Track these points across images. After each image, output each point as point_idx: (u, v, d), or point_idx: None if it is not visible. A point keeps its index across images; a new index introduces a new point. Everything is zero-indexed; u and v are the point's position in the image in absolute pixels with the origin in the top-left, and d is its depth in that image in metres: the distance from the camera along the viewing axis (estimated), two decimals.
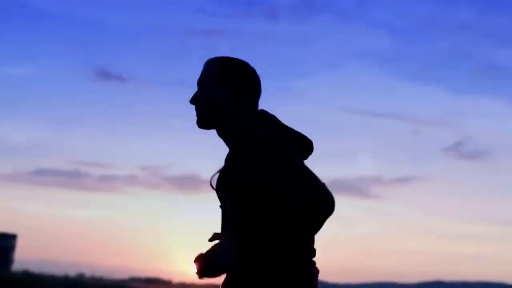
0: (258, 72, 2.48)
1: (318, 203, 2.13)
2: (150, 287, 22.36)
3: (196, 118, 2.45)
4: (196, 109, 2.44)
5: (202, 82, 2.44)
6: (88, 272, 23.07)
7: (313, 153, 2.41)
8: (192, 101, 2.45)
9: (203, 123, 2.44)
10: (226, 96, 2.39)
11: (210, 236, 2.30)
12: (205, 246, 2.31)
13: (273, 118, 2.39)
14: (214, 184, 2.39)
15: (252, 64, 2.49)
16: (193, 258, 2.25)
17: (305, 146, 2.38)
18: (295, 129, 2.40)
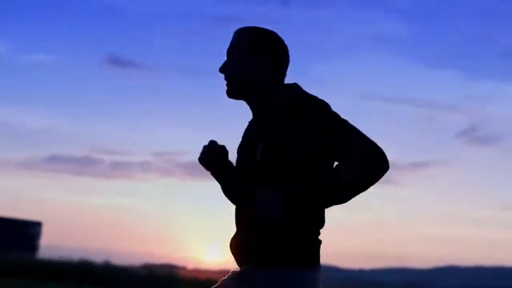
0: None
1: (377, 157, 2.27)
2: (165, 273, 22.29)
3: (225, 87, 2.47)
4: (226, 78, 2.46)
5: (232, 51, 2.47)
6: (99, 258, 22.97)
7: None
8: (222, 70, 2.47)
9: (233, 93, 2.46)
10: (256, 66, 2.42)
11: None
12: (217, 235, 2.25)
13: (304, 90, 2.42)
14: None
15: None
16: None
17: None
18: None
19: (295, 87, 2.43)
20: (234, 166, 2.52)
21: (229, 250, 2.45)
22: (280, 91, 2.41)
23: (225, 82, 2.47)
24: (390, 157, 2.33)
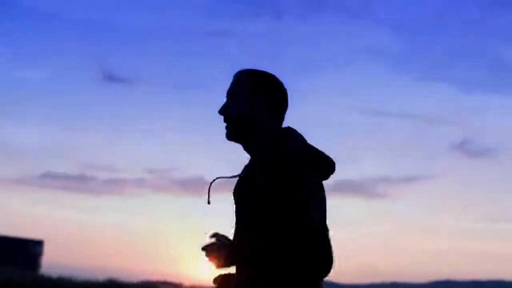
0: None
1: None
2: None
3: (225, 130, 2.43)
4: (226, 120, 2.43)
5: (232, 93, 2.43)
6: (93, 275, 23.09)
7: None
8: (222, 111, 2.43)
9: (232, 136, 2.43)
10: (257, 110, 2.39)
11: (211, 233, 2.38)
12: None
13: (298, 137, 2.38)
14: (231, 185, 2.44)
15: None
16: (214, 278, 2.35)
17: (326, 166, 2.37)
18: (318, 148, 2.40)
19: (287, 132, 2.39)
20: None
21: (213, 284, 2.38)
22: (278, 136, 2.36)
23: (225, 125, 2.44)
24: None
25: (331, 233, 2.26)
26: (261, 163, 2.32)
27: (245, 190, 2.35)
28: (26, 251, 31.23)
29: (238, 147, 2.45)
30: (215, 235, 2.37)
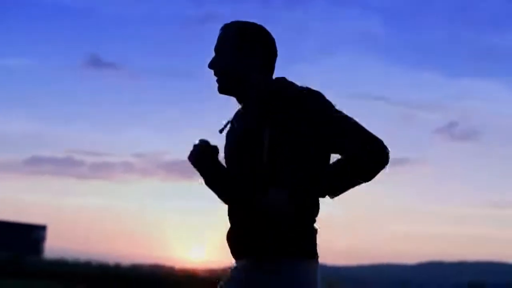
0: None
1: (379, 153, 2.29)
2: (156, 274, 22.85)
3: (216, 84, 2.44)
4: (216, 75, 2.44)
5: (220, 48, 2.44)
6: (84, 258, 23.66)
7: None
8: (211, 66, 2.44)
9: (224, 89, 2.44)
10: (246, 61, 2.40)
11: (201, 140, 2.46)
12: (201, 235, 2.56)
13: (294, 83, 2.40)
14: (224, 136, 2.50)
15: None
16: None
17: None
18: None
19: (284, 80, 2.41)
20: (224, 166, 2.48)
21: (226, 243, 2.42)
22: (271, 83, 2.39)
23: (216, 79, 2.44)
24: None
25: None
26: (259, 109, 2.35)
27: (247, 140, 2.37)
28: (29, 236, 31.37)
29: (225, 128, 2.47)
30: (204, 142, 2.45)
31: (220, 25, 2.48)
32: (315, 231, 2.36)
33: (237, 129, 2.45)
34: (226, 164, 2.49)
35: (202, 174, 2.48)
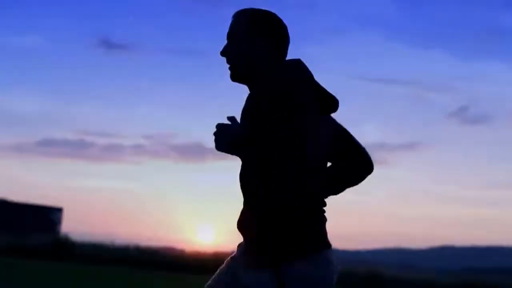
0: None
1: (371, 166, 2.41)
2: (166, 256, 23.08)
3: (229, 71, 2.44)
4: (228, 62, 2.43)
5: (232, 35, 2.44)
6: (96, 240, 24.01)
7: None
8: (223, 53, 2.45)
9: (236, 77, 2.43)
10: (258, 48, 2.39)
11: (229, 116, 2.40)
12: (214, 216, 2.49)
13: (305, 69, 2.37)
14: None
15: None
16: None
17: (327, 101, 2.38)
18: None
19: (296, 64, 2.37)
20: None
21: (236, 228, 2.41)
22: (279, 71, 2.34)
23: (228, 66, 2.44)
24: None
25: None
26: (267, 97, 2.28)
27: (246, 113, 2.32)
28: (45, 218, 31.54)
29: (238, 110, 2.39)
30: (232, 119, 2.39)
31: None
32: (324, 220, 2.33)
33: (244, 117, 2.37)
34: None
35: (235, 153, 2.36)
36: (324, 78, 2.40)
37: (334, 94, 2.36)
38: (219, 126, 2.35)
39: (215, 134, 2.35)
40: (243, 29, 2.41)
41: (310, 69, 2.36)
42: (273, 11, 2.47)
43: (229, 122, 2.38)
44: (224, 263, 2.48)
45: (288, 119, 2.25)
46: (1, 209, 31.79)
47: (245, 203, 2.34)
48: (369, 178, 2.46)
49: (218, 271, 2.48)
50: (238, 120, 2.38)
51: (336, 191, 2.39)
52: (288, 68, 2.35)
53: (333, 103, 2.38)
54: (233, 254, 2.47)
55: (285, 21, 2.44)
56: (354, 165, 2.38)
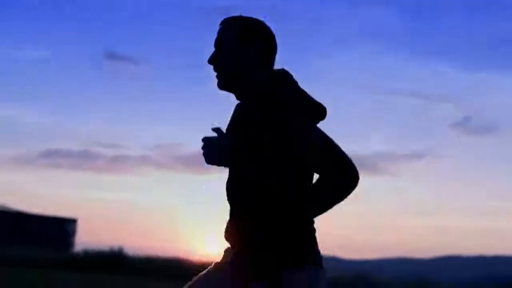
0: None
1: (355, 180, 2.22)
2: (172, 267, 23.36)
3: (216, 79, 2.40)
4: (216, 70, 2.39)
5: (220, 43, 2.40)
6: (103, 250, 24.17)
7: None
8: (210, 61, 2.40)
9: (224, 85, 2.39)
10: (247, 57, 2.36)
11: (214, 126, 2.34)
12: (219, 230, 2.41)
13: (293, 81, 2.36)
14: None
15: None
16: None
17: (318, 111, 2.34)
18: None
19: (281, 76, 2.35)
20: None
21: (224, 237, 2.40)
22: (270, 79, 2.33)
23: (215, 74, 2.40)
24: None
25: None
26: (253, 105, 2.31)
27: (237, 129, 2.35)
28: (60, 229, 31.56)
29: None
30: (217, 130, 2.32)
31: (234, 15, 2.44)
32: (305, 236, 2.28)
33: (231, 126, 2.42)
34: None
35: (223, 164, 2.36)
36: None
37: (336, 103, 2.49)
38: (206, 140, 2.30)
39: (203, 148, 2.30)
40: (232, 37, 2.38)
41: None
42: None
43: (215, 133, 2.32)
44: (207, 270, 2.42)
45: (277, 126, 2.22)
46: (16, 220, 31.91)
47: (237, 214, 2.33)
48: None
49: (197, 278, 2.41)
50: (224, 129, 2.38)
51: (322, 207, 2.26)
52: (275, 77, 2.34)
53: (321, 111, 2.33)
54: (218, 261, 2.43)
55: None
56: (336, 178, 2.21)
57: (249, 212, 2.28)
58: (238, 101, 2.46)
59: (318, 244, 2.33)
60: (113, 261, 21.55)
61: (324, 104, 2.34)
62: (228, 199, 2.39)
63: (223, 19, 2.44)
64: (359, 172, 2.24)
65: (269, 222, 2.24)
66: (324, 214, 2.30)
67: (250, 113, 2.33)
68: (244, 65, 2.36)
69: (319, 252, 2.32)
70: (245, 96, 2.39)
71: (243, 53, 2.37)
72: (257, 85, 2.34)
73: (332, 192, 2.23)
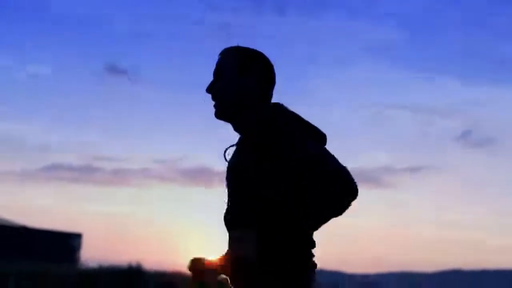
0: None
1: (353, 194, 2.19)
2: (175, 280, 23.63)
3: (214, 108, 2.42)
4: (214, 99, 2.41)
5: (219, 71, 2.41)
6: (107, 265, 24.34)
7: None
8: (209, 90, 2.41)
9: (222, 114, 2.40)
10: (245, 87, 2.37)
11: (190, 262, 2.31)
12: (219, 240, 2.39)
13: (289, 112, 2.36)
14: (227, 158, 2.41)
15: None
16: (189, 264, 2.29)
17: (319, 139, 2.34)
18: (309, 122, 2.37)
19: (280, 106, 2.37)
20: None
21: (224, 272, 2.34)
22: (266, 111, 2.34)
23: (213, 103, 2.41)
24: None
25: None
26: (251, 141, 2.31)
27: (234, 176, 2.35)
28: (65, 244, 31.16)
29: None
30: (194, 263, 2.30)
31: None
32: (306, 270, 2.28)
33: (232, 159, 2.41)
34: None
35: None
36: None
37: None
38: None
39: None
40: (231, 67, 2.39)
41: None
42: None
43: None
44: None
45: (276, 145, 2.23)
46: (20, 235, 31.84)
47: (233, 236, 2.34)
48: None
49: None
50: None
51: (321, 219, 2.23)
52: (275, 106, 2.36)
53: (321, 137, 2.35)
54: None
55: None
56: (334, 190, 2.18)
57: (248, 225, 2.27)
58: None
59: (317, 258, 2.33)
60: (128, 275, 21.74)
61: (325, 122, 2.40)
62: (227, 228, 2.40)
63: (223, 49, 2.46)
64: (358, 185, 2.21)
65: (268, 234, 2.23)
66: (326, 228, 2.29)
67: (243, 154, 2.35)
68: (242, 94, 2.37)
69: (315, 265, 2.31)
70: (243, 126, 2.40)
71: (242, 82, 2.38)
72: (258, 113, 2.36)
73: (330, 205, 2.19)
